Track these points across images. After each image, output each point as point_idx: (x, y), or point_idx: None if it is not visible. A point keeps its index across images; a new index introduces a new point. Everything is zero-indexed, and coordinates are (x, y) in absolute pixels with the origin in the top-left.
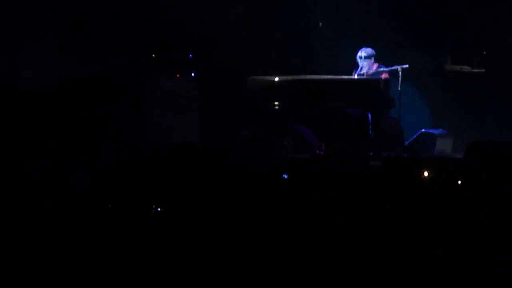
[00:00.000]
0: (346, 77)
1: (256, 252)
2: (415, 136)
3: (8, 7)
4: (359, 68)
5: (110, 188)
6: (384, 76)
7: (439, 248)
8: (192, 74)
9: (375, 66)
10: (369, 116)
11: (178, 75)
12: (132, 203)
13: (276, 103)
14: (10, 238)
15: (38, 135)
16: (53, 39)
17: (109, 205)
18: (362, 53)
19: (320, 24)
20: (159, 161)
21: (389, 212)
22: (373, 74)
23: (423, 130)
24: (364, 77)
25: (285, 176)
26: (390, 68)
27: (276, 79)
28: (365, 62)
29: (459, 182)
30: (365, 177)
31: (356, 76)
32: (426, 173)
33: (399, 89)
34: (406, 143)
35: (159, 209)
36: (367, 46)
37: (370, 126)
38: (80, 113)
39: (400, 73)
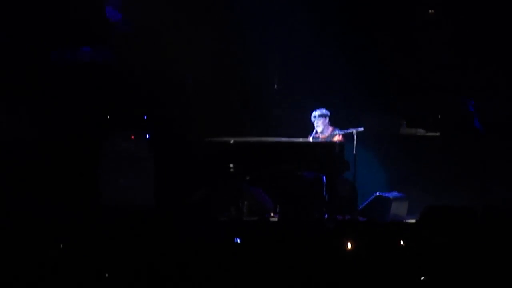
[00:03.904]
0: (301, 139)
1: None
2: (369, 199)
3: None
4: (314, 131)
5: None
6: (338, 139)
7: None
8: (147, 136)
9: (330, 129)
10: (324, 178)
11: (132, 137)
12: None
13: (231, 165)
14: None
15: None
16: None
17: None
18: (316, 112)
19: (276, 86)
20: (110, 225)
21: (343, 275)
22: (328, 137)
23: (377, 193)
24: (319, 140)
25: (238, 240)
26: (345, 131)
27: (232, 141)
28: (320, 121)
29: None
30: (320, 240)
31: (311, 139)
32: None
33: (354, 152)
34: (361, 206)
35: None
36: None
37: (325, 189)
38: (28, 175)
39: (355, 136)
